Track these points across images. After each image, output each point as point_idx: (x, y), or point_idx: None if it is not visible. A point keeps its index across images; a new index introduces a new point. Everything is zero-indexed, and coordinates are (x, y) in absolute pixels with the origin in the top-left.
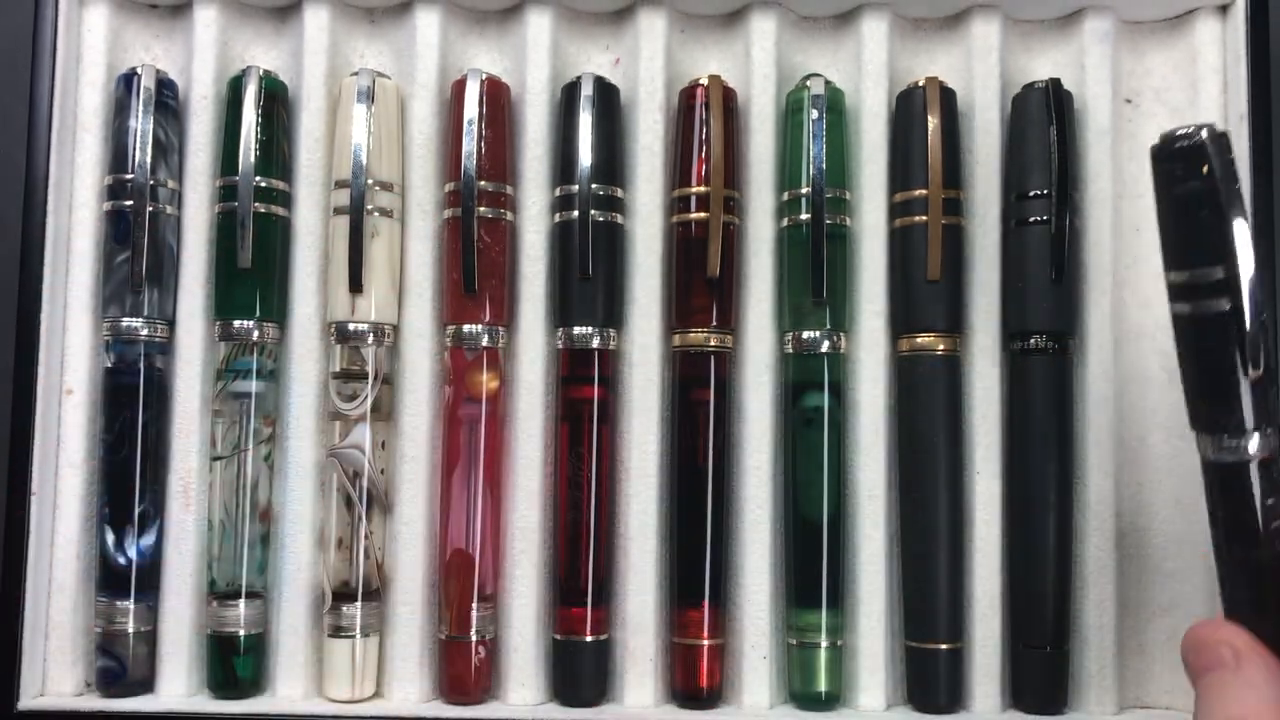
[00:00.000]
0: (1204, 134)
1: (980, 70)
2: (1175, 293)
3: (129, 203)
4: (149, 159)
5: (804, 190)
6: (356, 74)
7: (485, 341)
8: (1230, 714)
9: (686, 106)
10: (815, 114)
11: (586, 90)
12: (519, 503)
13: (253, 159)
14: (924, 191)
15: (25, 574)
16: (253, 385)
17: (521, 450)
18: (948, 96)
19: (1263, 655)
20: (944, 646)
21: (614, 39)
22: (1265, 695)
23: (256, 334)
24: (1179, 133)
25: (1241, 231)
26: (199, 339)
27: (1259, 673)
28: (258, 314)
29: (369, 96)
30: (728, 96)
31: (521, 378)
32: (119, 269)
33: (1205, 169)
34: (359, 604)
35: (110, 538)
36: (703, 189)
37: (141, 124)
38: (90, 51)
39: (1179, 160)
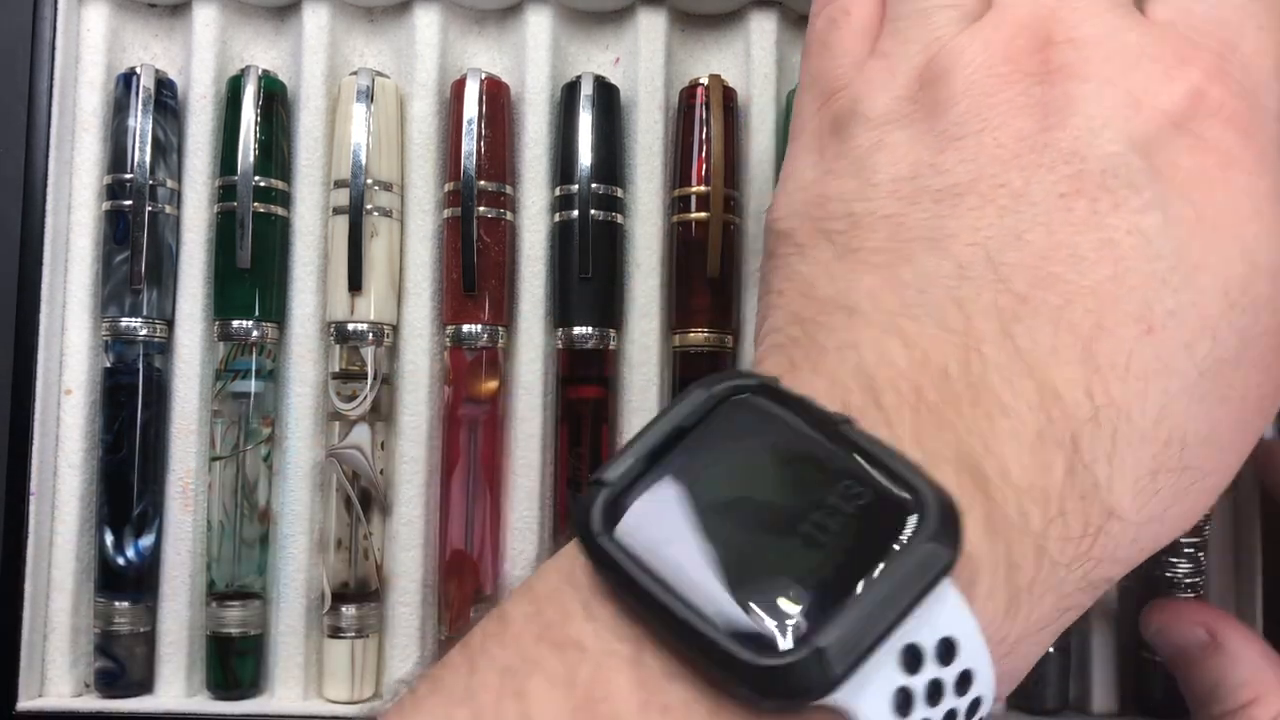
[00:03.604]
0: None
1: None
2: None
3: (128, 202)
4: (148, 159)
5: None
6: (356, 73)
7: (485, 341)
8: (1241, 698)
9: (686, 106)
10: None
11: (586, 90)
12: (519, 503)
13: (252, 159)
14: None
15: (24, 574)
16: (252, 385)
17: (521, 451)
18: None
19: (1238, 627)
20: None
21: (614, 39)
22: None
23: (256, 334)
24: None
25: None
26: (198, 339)
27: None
28: (257, 314)
29: (368, 96)
30: (728, 96)
31: (521, 378)
32: (118, 269)
33: None
34: (358, 605)
35: (109, 538)
36: (703, 189)
37: (140, 124)
38: (89, 51)
39: None
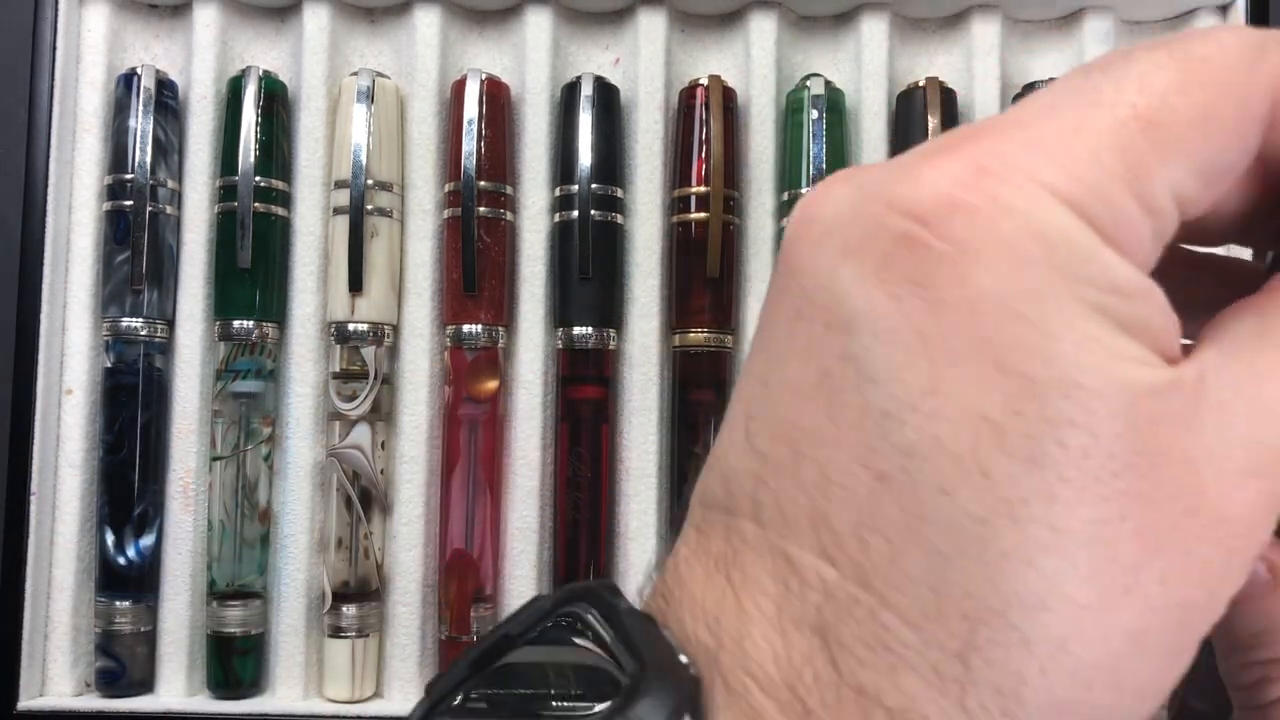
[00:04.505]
0: None
1: (980, 70)
2: None
3: (129, 203)
4: (149, 159)
5: (804, 190)
6: (356, 74)
7: (485, 341)
8: None
9: (686, 106)
10: (815, 114)
11: (586, 90)
12: (519, 503)
13: (252, 159)
14: None
15: (25, 574)
16: (252, 385)
17: (521, 450)
18: (948, 97)
19: None
20: None
21: (614, 39)
22: None
23: (256, 334)
24: None
25: None
26: (199, 339)
27: None
28: (257, 314)
29: (369, 96)
30: (728, 96)
31: (521, 378)
32: (119, 269)
33: None
34: (358, 604)
35: (110, 538)
36: (703, 189)
37: (141, 124)
38: (90, 51)
39: None
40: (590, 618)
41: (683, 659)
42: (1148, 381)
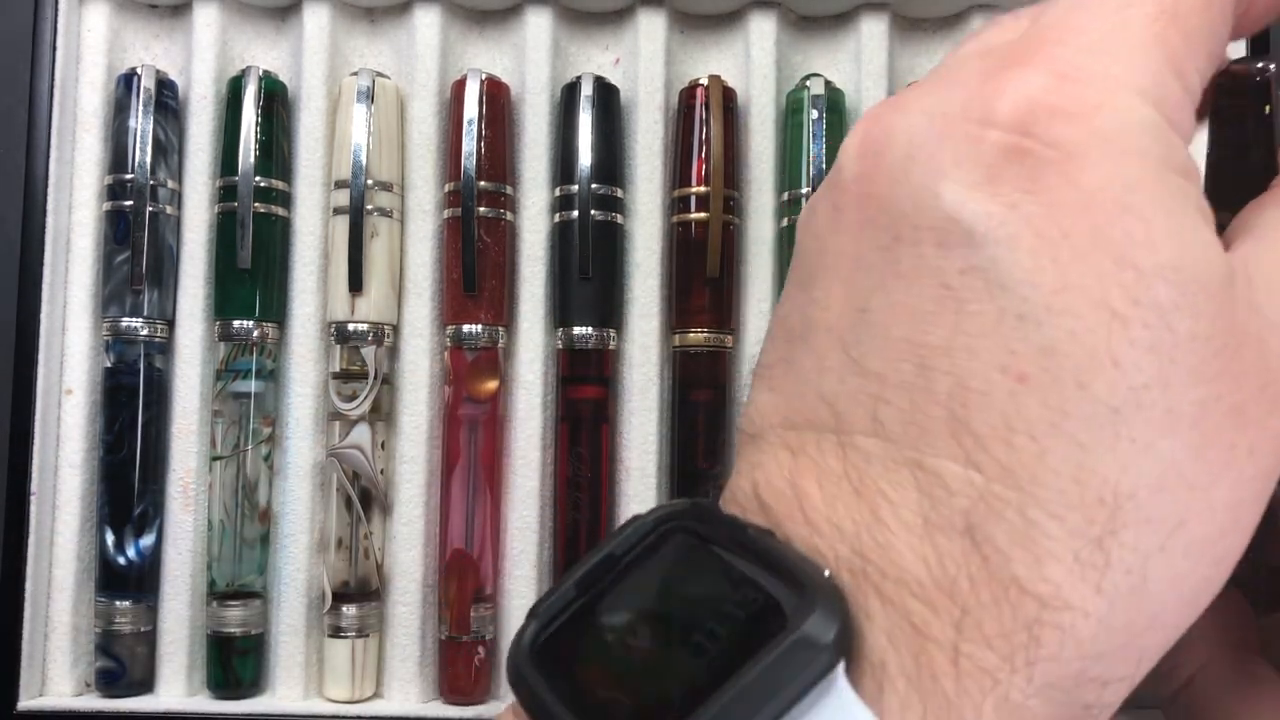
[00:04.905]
0: (1272, 69)
1: None
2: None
3: (129, 203)
4: (149, 159)
5: (804, 190)
6: (356, 74)
7: (485, 342)
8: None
9: (686, 106)
10: (815, 114)
11: (586, 90)
12: (519, 503)
13: (252, 159)
14: None
15: (25, 574)
16: (252, 385)
17: (521, 450)
18: None
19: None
20: None
21: (614, 39)
22: None
23: (256, 334)
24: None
25: None
26: (199, 339)
27: None
28: (257, 314)
29: (369, 96)
30: (728, 96)
31: (521, 378)
32: (119, 269)
33: (1267, 108)
34: (359, 604)
35: (110, 538)
36: (703, 189)
37: (141, 124)
38: (90, 51)
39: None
40: (710, 534)
41: (827, 573)
42: (1224, 264)
